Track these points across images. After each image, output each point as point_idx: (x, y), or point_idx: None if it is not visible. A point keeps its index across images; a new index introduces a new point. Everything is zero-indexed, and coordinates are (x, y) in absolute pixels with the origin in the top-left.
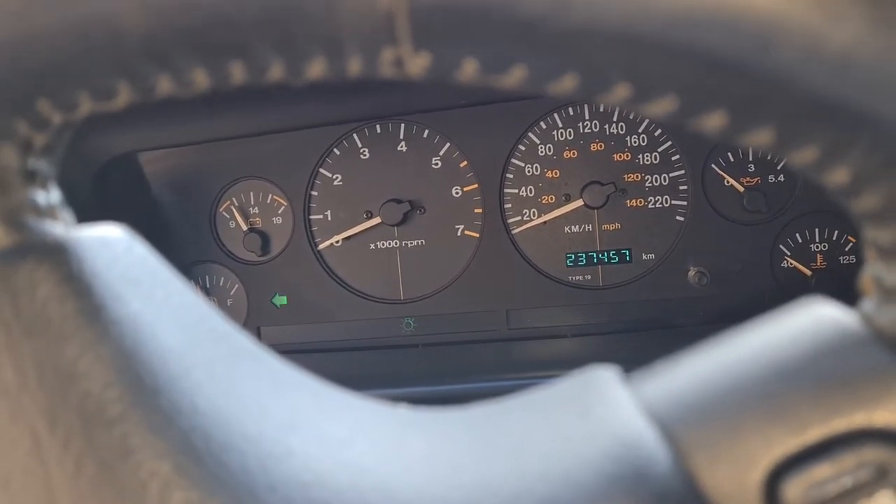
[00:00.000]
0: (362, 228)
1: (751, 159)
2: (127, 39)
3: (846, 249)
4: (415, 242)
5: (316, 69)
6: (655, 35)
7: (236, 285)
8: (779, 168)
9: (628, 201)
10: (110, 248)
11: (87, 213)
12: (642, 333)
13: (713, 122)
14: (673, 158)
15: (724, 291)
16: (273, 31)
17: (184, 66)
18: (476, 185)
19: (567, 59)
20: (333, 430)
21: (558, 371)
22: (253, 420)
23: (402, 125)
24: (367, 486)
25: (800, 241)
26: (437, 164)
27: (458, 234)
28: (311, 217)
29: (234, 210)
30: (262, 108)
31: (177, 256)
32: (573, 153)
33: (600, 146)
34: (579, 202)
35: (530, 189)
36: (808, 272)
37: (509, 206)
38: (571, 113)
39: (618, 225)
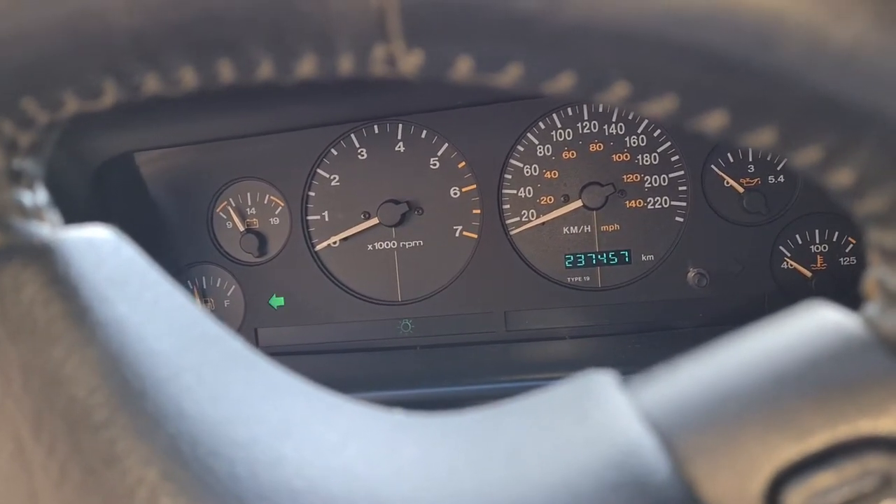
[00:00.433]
0: (360, 229)
1: (751, 160)
2: (113, 36)
3: (846, 251)
4: (413, 243)
5: (306, 68)
6: (654, 32)
7: (233, 286)
8: (779, 169)
9: (627, 202)
10: (97, 249)
11: (83, 214)
12: (641, 335)
13: (714, 121)
14: (672, 159)
15: (723, 293)
16: (262, 28)
17: (171, 64)
18: (474, 186)
19: (564, 57)
20: (326, 436)
21: (557, 373)
22: (243, 425)
23: (400, 125)
24: (359, 493)
25: (800, 242)
26: (435, 164)
27: (457, 234)
28: (309, 218)
29: (230, 211)
30: (258, 109)
31: (173, 257)
32: (572, 154)
33: (599, 147)
34: (578, 203)
35: (529, 190)
36: (809, 274)
37: (508, 206)
38: (570, 113)
39: (617, 226)
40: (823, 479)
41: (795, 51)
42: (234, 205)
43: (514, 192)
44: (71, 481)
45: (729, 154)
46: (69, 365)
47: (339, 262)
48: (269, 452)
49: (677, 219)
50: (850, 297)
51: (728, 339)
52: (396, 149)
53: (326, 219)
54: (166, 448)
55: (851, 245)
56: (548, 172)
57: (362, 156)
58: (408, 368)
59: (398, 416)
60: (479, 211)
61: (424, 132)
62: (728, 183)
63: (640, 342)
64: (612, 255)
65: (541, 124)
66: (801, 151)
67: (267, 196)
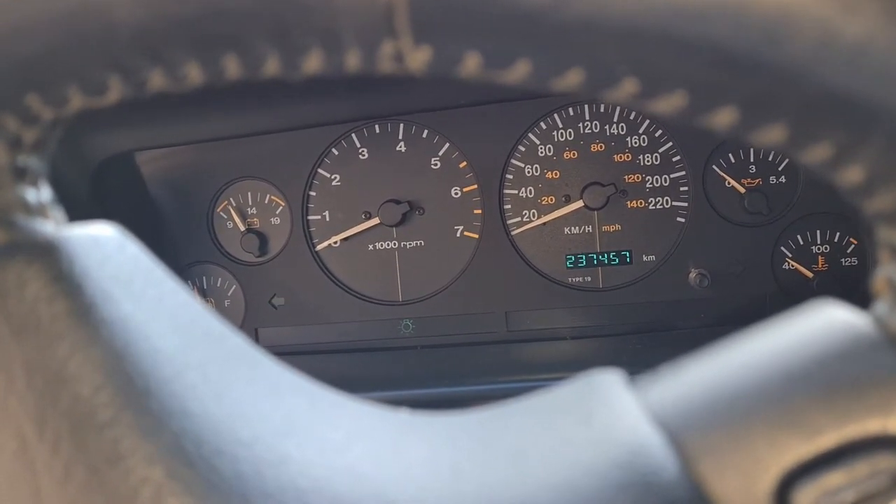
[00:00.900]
0: (361, 229)
1: (752, 161)
2: (117, 32)
3: (848, 252)
4: (413, 243)
5: (313, 63)
6: (663, 28)
7: (234, 286)
8: (780, 169)
9: (629, 202)
10: (102, 247)
11: (83, 213)
12: (642, 336)
13: (723, 119)
14: (674, 159)
15: (725, 293)
16: (268, 23)
17: (177, 59)
18: (475, 186)
19: (572, 53)
20: (331, 435)
21: (558, 373)
22: (247, 424)
23: (402, 125)
24: (365, 493)
25: (801, 242)
26: (436, 164)
27: (458, 235)
28: (309, 217)
29: (231, 210)
30: (260, 108)
31: (174, 257)
32: (573, 154)
33: (601, 147)
34: (579, 203)
35: (530, 190)
36: (810, 274)
37: (509, 206)
38: (572, 113)
39: (618, 226)
40: (833, 479)
41: (804, 46)
42: (234, 204)
43: (516, 192)
44: (75, 480)
45: (730, 154)
46: (73, 363)
47: (340, 262)
48: (274, 451)
49: (678, 219)
50: (851, 297)
51: (735, 338)
52: (397, 149)
53: (327, 219)
54: (171, 447)
55: (853, 246)
56: (549, 172)
57: (363, 156)
58: (409, 369)
59: (403, 416)
60: (480, 211)
61: (425, 132)
62: (729, 183)
63: (641, 343)
64: (614, 256)
65: (542, 124)
66: (810, 149)
67: (268, 196)
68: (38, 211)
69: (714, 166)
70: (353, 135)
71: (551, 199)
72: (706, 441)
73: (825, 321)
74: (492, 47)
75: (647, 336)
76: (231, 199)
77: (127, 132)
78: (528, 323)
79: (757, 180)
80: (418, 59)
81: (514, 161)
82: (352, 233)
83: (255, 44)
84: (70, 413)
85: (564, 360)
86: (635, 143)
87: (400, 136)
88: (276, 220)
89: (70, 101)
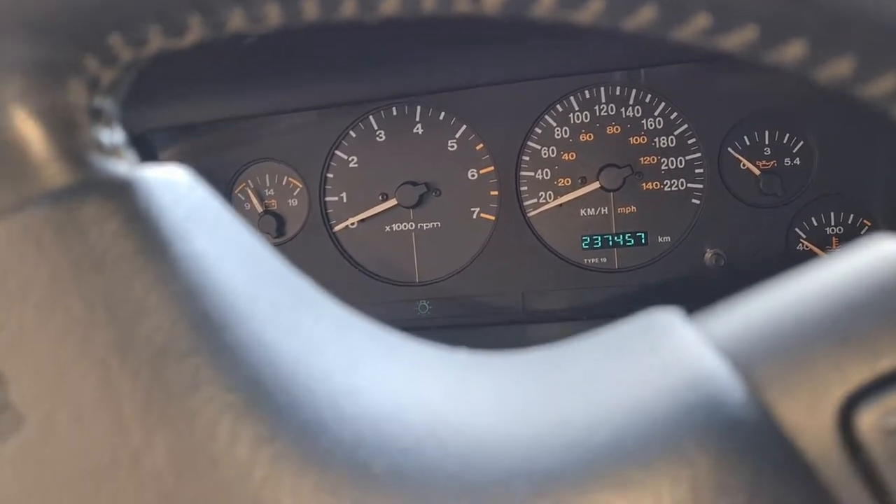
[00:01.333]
0: (378, 210)
1: (767, 143)
2: None
3: (862, 233)
4: (430, 225)
5: (391, 3)
6: None
7: None
8: (795, 151)
9: (644, 184)
10: (174, 187)
11: None
12: None
13: (791, 52)
14: (689, 141)
15: (739, 275)
16: None
17: None
18: (492, 168)
19: None
20: (399, 371)
21: None
22: (318, 358)
23: (419, 107)
24: (438, 424)
25: (815, 224)
26: (452, 146)
27: (474, 216)
28: (327, 199)
29: (249, 192)
30: (276, 88)
31: None
32: (589, 136)
33: (616, 129)
34: (595, 185)
35: (546, 172)
36: (824, 255)
37: (525, 188)
38: (588, 96)
39: (633, 208)
40: (894, 399)
41: None
42: (252, 186)
43: (532, 174)
44: (156, 407)
45: (745, 136)
46: (153, 296)
47: (357, 244)
48: (345, 383)
49: (693, 201)
50: None
51: (789, 274)
52: (414, 130)
53: (344, 200)
54: (249, 377)
55: (867, 227)
56: (565, 154)
57: (380, 138)
58: None
59: (463, 355)
60: (496, 193)
61: (442, 114)
62: (744, 165)
63: None
64: (629, 237)
65: (558, 107)
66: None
67: (285, 178)
68: (113, 151)
69: (729, 148)
70: (371, 117)
71: (567, 181)
72: (771, 368)
73: (882, 253)
74: None
75: None
76: (249, 180)
77: (143, 112)
78: (545, 304)
79: (772, 162)
80: None
81: (530, 143)
82: (369, 214)
83: None
84: (150, 343)
85: None
86: (651, 125)
87: (417, 119)
88: (293, 202)
89: (150, 42)
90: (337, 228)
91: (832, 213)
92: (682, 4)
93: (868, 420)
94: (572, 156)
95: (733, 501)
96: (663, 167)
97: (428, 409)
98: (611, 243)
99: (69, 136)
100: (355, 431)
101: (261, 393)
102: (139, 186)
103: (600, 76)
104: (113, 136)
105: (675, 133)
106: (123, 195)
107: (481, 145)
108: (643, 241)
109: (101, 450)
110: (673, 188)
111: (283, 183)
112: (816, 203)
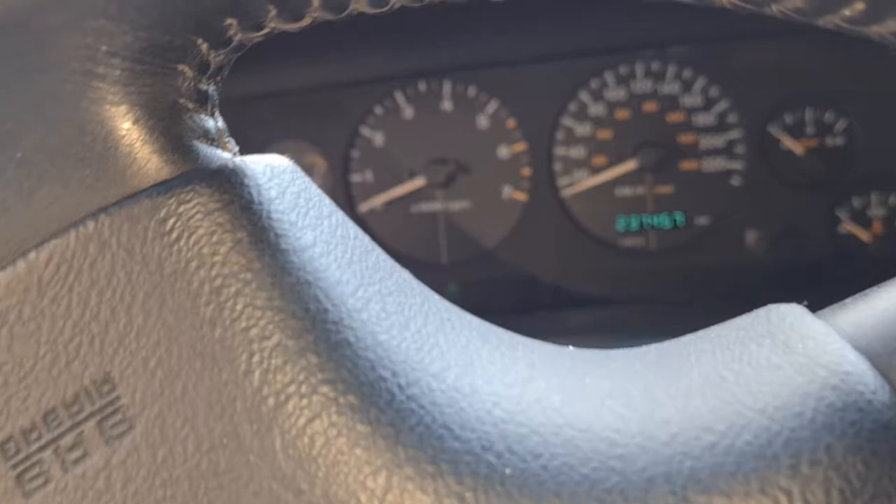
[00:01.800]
0: (405, 191)
1: (808, 122)
2: None
3: None
4: (459, 204)
5: None
6: None
7: None
8: (837, 131)
9: (682, 163)
10: (278, 176)
11: None
12: (696, 300)
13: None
14: (729, 120)
15: (780, 256)
16: None
17: None
18: (524, 146)
19: None
20: (513, 369)
21: (611, 339)
22: (433, 356)
23: (447, 83)
24: (562, 423)
25: (856, 206)
26: (483, 123)
27: (504, 196)
28: (351, 179)
29: None
30: (298, 65)
31: None
32: (625, 113)
33: (653, 106)
34: (632, 164)
35: (581, 150)
36: (866, 237)
37: (559, 167)
38: (623, 73)
39: (671, 187)
40: None
41: None
42: None
43: (566, 152)
44: (268, 409)
45: (787, 115)
46: (264, 292)
47: (383, 225)
48: (463, 383)
49: (733, 181)
50: None
51: None
52: (442, 107)
53: (370, 180)
54: (366, 375)
55: None
56: (600, 132)
57: (407, 115)
58: None
59: (573, 351)
60: (528, 171)
61: (472, 90)
62: (786, 145)
63: (696, 306)
64: (666, 218)
65: (593, 83)
66: None
67: (308, 156)
68: (217, 139)
69: (770, 127)
70: (397, 93)
71: (603, 160)
72: None
73: None
74: None
75: (701, 300)
76: None
77: None
78: (579, 287)
79: (814, 141)
80: None
81: (564, 120)
82: (395, 194)
83: None
84: (261, 342)
85: (616, 326)
86: (689, 102)
87: (445, 95)
88: (317, 181)
89: (264, 26)
90: (362, 209)
91: (873, 195)
92: None
93: None
94: (608, 133)
95: None
96: (702, 146)
97: (549, 410)
98: (647, 224)
99: (175, 125)
100: (482, 434)
101: (379, 394)
102: (245, 176)
103: (636, 52)
104: (216, 122)
105: (715, 110)
106: (230, 186)
107: (513, 122)
108: (681, 221)
109: (214, 453)
110: (712, 168)
111: (306, 162)
112: (858, 184)
